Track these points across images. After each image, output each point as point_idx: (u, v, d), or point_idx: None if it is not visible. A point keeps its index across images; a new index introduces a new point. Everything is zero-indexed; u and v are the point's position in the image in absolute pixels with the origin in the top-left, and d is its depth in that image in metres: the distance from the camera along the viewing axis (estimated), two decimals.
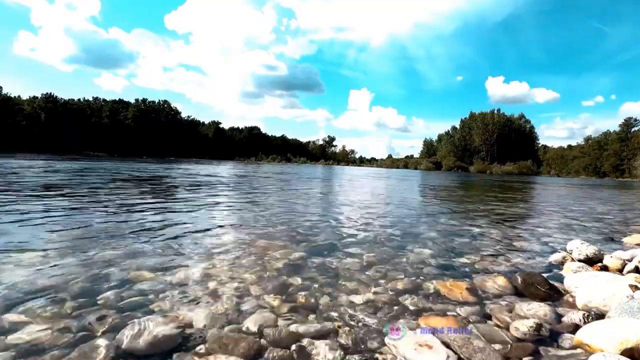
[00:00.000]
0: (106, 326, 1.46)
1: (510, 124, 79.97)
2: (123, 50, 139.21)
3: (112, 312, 1.58)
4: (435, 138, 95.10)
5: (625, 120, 65.71)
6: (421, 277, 2.26)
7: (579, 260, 2.65)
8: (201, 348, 1.35)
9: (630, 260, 2.56)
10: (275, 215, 4.61)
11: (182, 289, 1.90)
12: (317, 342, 1.41)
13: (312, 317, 1.65)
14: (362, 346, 1.42)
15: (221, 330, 1.48)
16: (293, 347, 1.39)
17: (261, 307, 1.73)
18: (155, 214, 4.20)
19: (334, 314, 1.68)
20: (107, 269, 2.14)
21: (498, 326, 1.62)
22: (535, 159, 75.72)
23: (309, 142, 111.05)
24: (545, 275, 2.29)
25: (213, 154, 79.00)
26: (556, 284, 2.16)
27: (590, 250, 2.72)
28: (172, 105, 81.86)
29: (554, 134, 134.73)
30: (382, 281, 2.16)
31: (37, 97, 64.70)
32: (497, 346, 1.43)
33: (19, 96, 65.00)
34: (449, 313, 1.75)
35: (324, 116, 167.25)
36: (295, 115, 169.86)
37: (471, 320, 1.69)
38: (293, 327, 1.53)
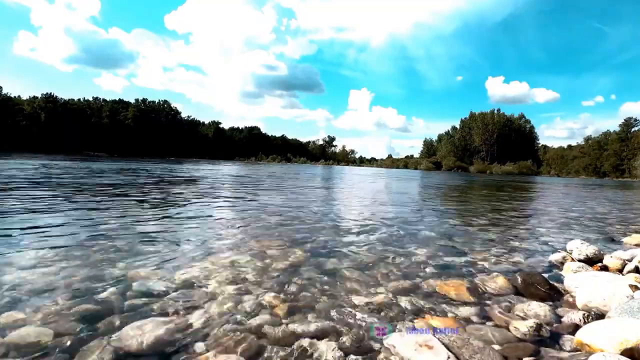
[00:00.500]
0: (106, 326, 1.46)
1: (510, 124, 79.97)
2: (123, 50, 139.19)
3: (112, 313, 1.58)
4: (435, 138, 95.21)
5: (625, 120, 65.79)
6: (421, 277, 2.26)
7: (579, 260, 2.65)
8: (201, 348, 1.35)
9: (630, 260, 2.56)
10: (276, 215, 4.61)
11: (182, 289, 1.89)
12: (317, 342, 1.41)
13: (312, 317, 1.65)
14: (362, 346, 1.42)
15: (221, 330, 1.48)
16: (293, 346, 1.39)
17: (261, 307, 1.73)
18: (155, 213, 4.20)
19: (334, 314, 1.68)
20: (107, 268, 2.14)
21: (498, 326, 1.62)
22: (535, 159, 75.72)
23: (309, 142, 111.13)
24: (545, 275, 2.29)
25: (213, 154, 79.02)
26: (556, 284, 2.16)
27: (590, 250, 2.72)
28: (172, 105, 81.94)
29: (554, 134, 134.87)
30: (382, 281, 2.16)
31: (37, 97, 64.72)
32: (497, 346, 1.43)
33: (19, 96, 65.04)
34: (448, 313, 1.75)
35: (324, 116, 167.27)
36: (295, 115, 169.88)
37: (471, 320, 1.69)
38: (293, 327, 1.53)
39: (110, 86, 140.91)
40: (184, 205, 5.28)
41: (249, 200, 6.34)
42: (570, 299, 1.96)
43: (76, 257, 2.33)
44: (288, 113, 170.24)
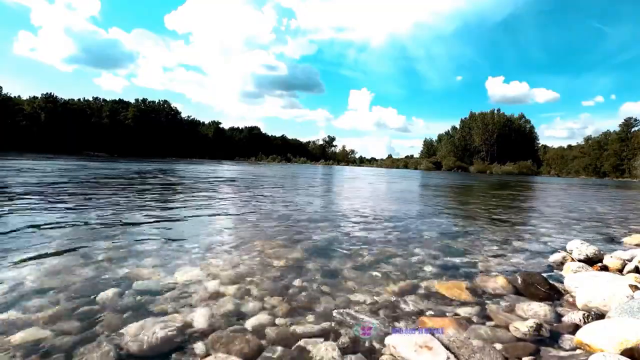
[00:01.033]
0: (106, 327, 1.46)
1: (510, 124, 79.98)
2: (123, 50, 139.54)
3: (112, 313, 1.58)
4: (435, 138, 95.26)
5: (625, 120, 65.80)
6: (421, 277, 2.26)
7: (579, 260, 2.65)
8: (201, 348, 1.35)
9: (630, 260, 2.56)
10: (276, 214, 4.61)
11: (183, 289, 1.89)
12: (317, 342, 1.41)
13: (312, 317, 1.65)
14: (362, 346, 1.42)
15: (221, 330, 1.48)
16: (293, 347, 1.39)
17: (261, 307, 1.73)
18: (156, 213, 4.20)
19: (334, 314, 1.68)
20: (107, 268, 2.14)
21: (498, 326, 1.62)
22: (535, 159, 75.74)
23: (309, 142, 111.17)
24: (545, 275, 2.29)
25: (213, 154, 79.02)
26: (556, 284, 2.16)
27: (590, 250, 2.72)
28: (172, 105, 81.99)
29: (554, 134, 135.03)
30: (382, 281, 2.16)
31: (37, 97, 64.71)
32: (497, 346, 1.43)
33: (19, 96, 65.04)
34: (448, 313, 1.75)
35: (324, 116, 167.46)
36: (295, 115, 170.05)
37: (471, 320, 1.69)
38: (293, 327, 1.53)
39: (110, 86, 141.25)
40: (185, 205, 5.28)
41: (249, 200, 6.33)
42: (570, 299, 1.96)
43: (76, 257, 2.33)
44: (288, 113, 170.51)
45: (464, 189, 14.07)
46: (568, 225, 4.82)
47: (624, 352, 1.25)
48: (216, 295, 1.83)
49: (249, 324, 1.55)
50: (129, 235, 3.03)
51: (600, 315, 1.69)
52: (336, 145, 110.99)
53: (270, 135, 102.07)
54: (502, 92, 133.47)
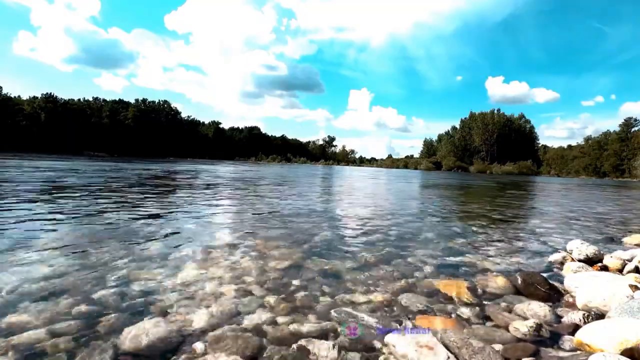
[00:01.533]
0: (106, 327, 1.46)
1: (510, 124, 79.97)
2: (123, 50, 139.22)
3: (112, 313, 1.58)
4: (435, 138, 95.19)
5: (625, 120, 65.76)
6: (421, 277, 2.26)
7: (579, 260, 2.65)
8: (201, 348, 1.35)
9: (630, 260, 2.56)
10: (276, 214, 4.61)
11: (183, 289, 1.90)
12: (317, 342, 1.41)
13: (312, 317, 1.65)
14: (362, 346, 1.42)
15: (221, 330, 1.48)
16: (293, 346, 1.39)
17: (261, 307, 1.73)
18: (156, 213, 4.20)
19: (334, 314, 1.68)
20: (107, 269, 2.14)
21: (498, 326, 1.62)
22: (535, 159, 75.73)
23: (309, 142, 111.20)
24: (545, 275, 2.29)
25: (213, 154, 79.06)
26: (556, 284, 2.16)
27: (590, 250, 2.72)
28: (172, 105, 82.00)
29: (554, 134, 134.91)
30: (382, 281, 2.16)
31: (37, 97, 64.71)
32: (497, 346, 1.43)
33: (19, 96, 65.04)
34: (448, 313, 1.75)
35: (324, 116, 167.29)
36: (295, 115, 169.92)
37: (471, 320, 1.69)
38: (293, 327, 1.53)
39: (110, 86, 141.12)
40: (185, 205, 5.28)
41: (249, 200, 6.34)
42: (570, 299, 1.96)
43: (76, 257, 2.33)
44: (288, 113, 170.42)
45: (464, 189, 14.06)
46: (568, 225, 4.82)
47: (624, 352, 1.25)
48: (216, 295, 1.83)
49: (249, 323, 1.55)
50: (128, 235, 3.03)
51: (600, 316, 1.69)
52: (336, 145, 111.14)
53: (270, 135, 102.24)
54: (502, 92, 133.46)
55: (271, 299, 1.81)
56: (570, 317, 1.69)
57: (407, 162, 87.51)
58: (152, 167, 18.59)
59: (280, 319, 1.61)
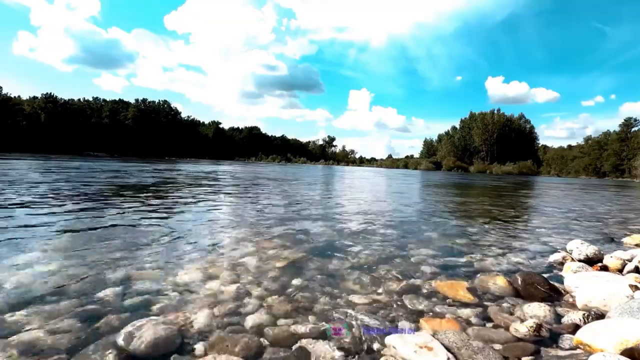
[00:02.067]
0: (106, 327, 1.46)
1: (510, 124, 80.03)
2: (123, 50, 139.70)
3: (112, 313, 1.58)
4: (435, 138, 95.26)
5: (625, 120, 65.79)
6: (421, 278, 2.26)
7: (579, 260, 2.65)
8: (201, 348, 1.35)
9: (630, 260, 2.56)
10: (276, 214, 4.61)
11: (183, 289, 1.89)
12: (317, 342, 1.41)
13: (312, 317, 1.65)
14: (362, 347, 1.42)
15: (221, 331, 1.48)
16: (293, 347, 1.39)
17: (261, 307, 1.73)
18: (155, 214, 4.20)
19: (334, 315, 1.68)
20: (107, 269, 2.14)
21: (498, 327, 1.62)
22: (535, 159, 75.78)
23: (309, 142, 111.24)
24: (545, 275, 2.29)
25: (213, 154, 79.10)
26: (556, 284, 2.15)
27: (590, 250, 2.72)
28: (172, 105, 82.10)
29: (554, 134, 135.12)
30: (382, 281, 2.16)
31: (37, 97, 64.75)
32: (497, 347, 1.43)
33: (19, 96, 65.05)
34: (448, 314, 1.75)
35: (324, 116, 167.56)
36: (295, 115, 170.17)
37: (471, 321, 1.69)
38: (293, 328, 1.53)
39: (110, 86, 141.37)
40: (185, 205, 5.28)
41: (249, 200, 6.33)
42: (570, 299, 1.96)
43: (76, 257, 2.33)
44: (288, 113, 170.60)
45: (464, 189, 14.06)
46: (568, 225, 4.82)
47: (624, 352, 1.25)
48: (216, 295, 1.83)
49: (249, 324, 1.55)
50: (128, 235, 3.03)
51: (600, 315, 1.69)
52: (336, 145, 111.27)
53: (270, 135, 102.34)
54: (502, 92, 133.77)
55: (272, 299, 1.81)
56: (570, 317, 1.69)
57: (407, 162, 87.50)
58: (148, 167, 18.59)
59: (280, 320, 1.61)
